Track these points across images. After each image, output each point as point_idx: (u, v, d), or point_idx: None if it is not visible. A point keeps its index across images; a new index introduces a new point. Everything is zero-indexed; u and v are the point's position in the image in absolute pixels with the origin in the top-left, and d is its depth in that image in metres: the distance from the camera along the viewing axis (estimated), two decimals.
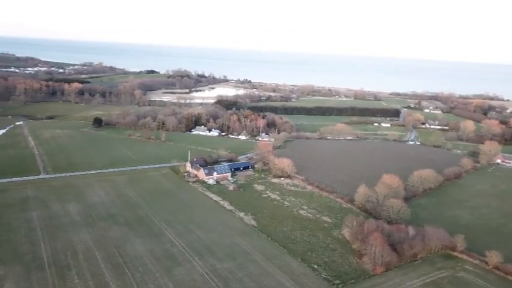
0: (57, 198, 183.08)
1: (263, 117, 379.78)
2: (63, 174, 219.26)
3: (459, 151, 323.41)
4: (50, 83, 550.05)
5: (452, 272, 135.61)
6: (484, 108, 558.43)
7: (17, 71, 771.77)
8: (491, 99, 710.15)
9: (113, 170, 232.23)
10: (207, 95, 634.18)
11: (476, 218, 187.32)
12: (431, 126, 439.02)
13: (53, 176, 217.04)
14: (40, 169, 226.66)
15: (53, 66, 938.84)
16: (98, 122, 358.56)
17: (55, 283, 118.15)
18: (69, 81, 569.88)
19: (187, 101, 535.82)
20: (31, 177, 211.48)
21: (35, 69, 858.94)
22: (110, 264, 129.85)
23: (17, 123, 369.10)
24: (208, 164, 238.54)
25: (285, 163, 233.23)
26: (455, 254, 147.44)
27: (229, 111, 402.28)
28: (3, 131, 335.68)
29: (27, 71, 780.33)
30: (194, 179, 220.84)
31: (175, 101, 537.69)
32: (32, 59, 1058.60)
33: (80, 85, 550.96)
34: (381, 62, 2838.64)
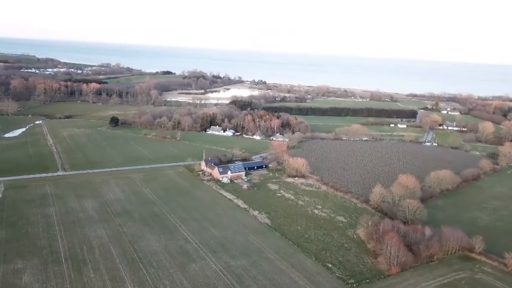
0: (75, 195, 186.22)
1: (278, 118, 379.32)
2: (80, 172, 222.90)
3: (477, 153, 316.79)
4: (69, 83, 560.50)
5: (470, 274, 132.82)
6: (503, 110, 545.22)
7: (37, 71, 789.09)
8: (511, 100, 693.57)
9: (128, 168, 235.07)
10: (222, 96, 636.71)
11: (496, 220, 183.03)
12: (449, 128, 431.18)
13: (70, 173, 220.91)
14: (58, 166, 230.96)
15: (72, 67, 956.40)
16: (114, 121, 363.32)
17: (71, 277, 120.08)
18: (87, 82, 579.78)
19: (203, 102, 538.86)
20: (49, 174, 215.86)
21: (55, 70, 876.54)
22: (125, 259, 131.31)
23: (37, 122, 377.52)
24: (223, 162, 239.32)
25: (299, 163, 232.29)
26: (473, 255, 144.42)
27: (244, 112, 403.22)
28: (23, 129, 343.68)
29: (47, 72, 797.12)
30: (209, 178, 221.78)
31: (191, 101, 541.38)
32: (52, 60, 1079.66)
33: (97, 85, 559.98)
34: (379, 63, 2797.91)
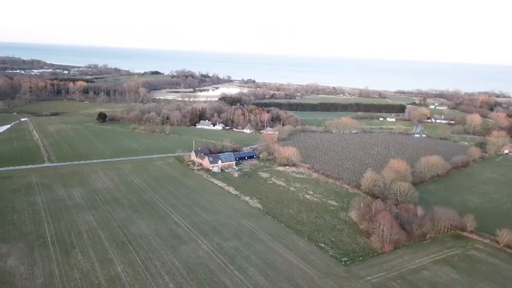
0: (62, 184, 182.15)
1: (268, 112, 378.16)
2: (67, 163, 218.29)
3: (466, 143, 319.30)
4: (55, 81, 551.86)
5: (463, 251, 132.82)
6: (490, 104, 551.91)
7: (23, 72, 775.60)
8: (497, 96, 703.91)
9: (117, 159, 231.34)
10: (211, 94, 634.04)
11: (486, 202, 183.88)
12: (437, 121, 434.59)
13: (57, 164, 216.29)
14: (44, 159, 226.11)
15: (58, 68, 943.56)
16: (102, 117, 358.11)
17: (58, 259, 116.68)
18: (73, 81, 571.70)
19: (192, 99, 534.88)
20: (36, 166, 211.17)
21: (40, 70, 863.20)
22: (114, 242, 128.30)
23: (22, 119, 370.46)
24: (213, 153, 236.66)
25: (290, 151, 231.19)
26: (465, 234, 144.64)
27: (234, 106, 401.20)
28: (8, 126, 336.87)
29: (32, 73, 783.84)
30: (199, 167, 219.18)
31: (180, 99, 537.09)
32: (38, 61, 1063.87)
33: (84, 83, 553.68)
34: (379, 64, 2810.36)
